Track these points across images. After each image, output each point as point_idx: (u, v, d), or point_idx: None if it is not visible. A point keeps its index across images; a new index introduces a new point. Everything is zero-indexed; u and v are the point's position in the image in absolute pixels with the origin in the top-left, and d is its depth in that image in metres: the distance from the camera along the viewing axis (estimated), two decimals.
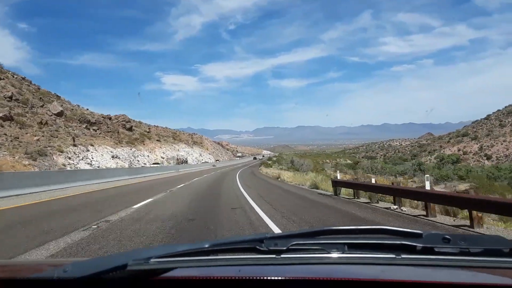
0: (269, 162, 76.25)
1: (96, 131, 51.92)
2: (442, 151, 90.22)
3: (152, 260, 1.01)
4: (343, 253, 1.05)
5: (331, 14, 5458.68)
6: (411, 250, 1.03)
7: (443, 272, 1.07)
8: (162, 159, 59.86)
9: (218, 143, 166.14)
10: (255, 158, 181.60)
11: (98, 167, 36.56)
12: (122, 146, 48.64)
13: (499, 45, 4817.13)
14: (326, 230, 1.13)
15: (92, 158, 38.19)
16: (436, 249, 1.02)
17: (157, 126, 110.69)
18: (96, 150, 40.60)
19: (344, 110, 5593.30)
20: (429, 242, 1.03)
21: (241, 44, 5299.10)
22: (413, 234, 1.08)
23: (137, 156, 50.16)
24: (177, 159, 66.75)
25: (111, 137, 51.28)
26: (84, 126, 52.42)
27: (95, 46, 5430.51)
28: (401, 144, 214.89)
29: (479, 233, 6.60)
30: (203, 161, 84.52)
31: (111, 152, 43.74)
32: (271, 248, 1.03)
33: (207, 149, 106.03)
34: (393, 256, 1.03)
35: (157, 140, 68.98)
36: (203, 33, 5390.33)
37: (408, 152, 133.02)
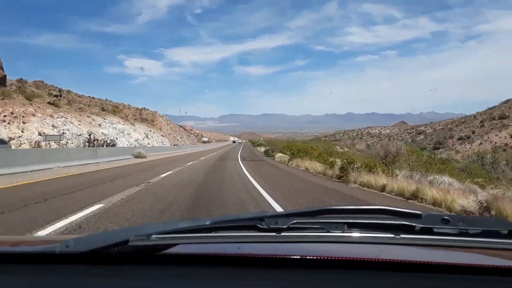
0: (266, 147, 44.70)
1: None
2: (487, 137, 63.59)
3: (153, 236, 0.98)
4: (342, 232, 1.01)
5: (298, 1, 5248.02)
6: (410, 230, 0.99)
7: (442, 252, 1.05)
8: (39, 136, 27.23)
9: (181, 126, 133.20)
10: (234, 142, 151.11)
11: None
12: None
13: (459, 39, 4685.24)
14: (326, 209, 1.08)
15: None
16: (435, 230, 0.98)
17: (93, 97, 76.65)
18: None
19: (309, 98, 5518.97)
20: (428, 222, 0.99)
21: (207, 29, 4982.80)
22: (413, 214, 1.03)
23: None
24: (90, 140, 34.58)
25: None
26: None
27: (55, 25, 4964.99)
28: (381, 132, 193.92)
29: None
30: (151, 144, 52.34)
31: None
32: (271, 226, 0.99)
33: (160, 129, 73.57)
34: (392, 236, 1.00)
35: (48, 103, 35.72)
36: (168, 16, 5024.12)
37: (409, 140, 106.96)
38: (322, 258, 0.95)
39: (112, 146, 38.19)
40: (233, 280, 0.92)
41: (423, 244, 1.00)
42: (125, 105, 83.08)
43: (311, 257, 0.96)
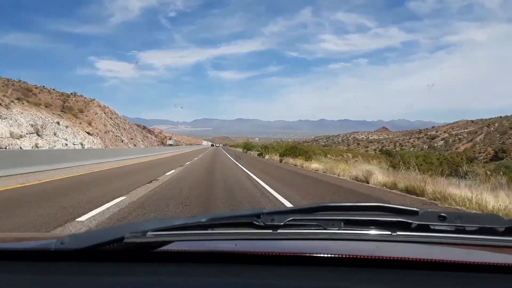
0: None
1: None
2: None
3: (149, 233, 0.95)
4: (339, 229, 0.98)
5: (273, 7, 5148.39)
6: (407, 227, 0.97)
7: (438, 249, 1.03)
8: None
9: (145, 127, 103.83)
10: (212, 145, 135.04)
11: None
12: None
13: (428, 49, 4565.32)
14: (323, 206, 1.06)
15: None
16: (431, 227, 0.96)
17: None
18: None
19: (283, 104, 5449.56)
20: (425, 219, 0.97)
21: (181, 33, 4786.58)
22: (409, 211, 1.02)
23: None
24: None
25: None
26: None
27: (22, 25, 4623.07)
28: (368, 137, 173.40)
29: None
30: (48, 147, 24.84)
31: None
32: (267, 223, 0.97)
33: (89, 124, 45.17)
34: (389, 233, 0.97)
35: None
36: (141, 18, 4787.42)
37: (426, 147, 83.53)
38: (318, 255, 0.92)
39: None
40: (229, 277, 0.88)
41: (420, 241, 0.96)
42: (44, 88, 54.39)
43: (307, 254, 0.93)
